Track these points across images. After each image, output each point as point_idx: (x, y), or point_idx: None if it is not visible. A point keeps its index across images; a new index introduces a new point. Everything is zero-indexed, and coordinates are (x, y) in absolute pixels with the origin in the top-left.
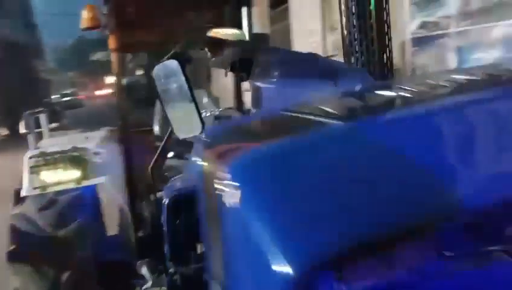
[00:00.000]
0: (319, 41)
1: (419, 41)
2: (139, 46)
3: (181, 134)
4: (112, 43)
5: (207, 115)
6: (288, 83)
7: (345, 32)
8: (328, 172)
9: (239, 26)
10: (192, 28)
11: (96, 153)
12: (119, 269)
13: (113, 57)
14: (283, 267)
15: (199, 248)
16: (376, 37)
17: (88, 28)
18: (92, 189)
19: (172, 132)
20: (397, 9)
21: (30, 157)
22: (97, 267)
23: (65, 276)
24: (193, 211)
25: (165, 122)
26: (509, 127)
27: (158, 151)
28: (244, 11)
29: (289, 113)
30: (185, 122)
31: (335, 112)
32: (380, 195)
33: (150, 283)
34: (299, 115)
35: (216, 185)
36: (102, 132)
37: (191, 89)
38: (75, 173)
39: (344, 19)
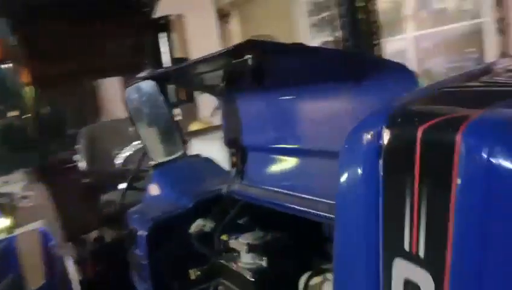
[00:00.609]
0: None
1: None
2: (52, 79)
3: (158, 157)
4: (24, 76)
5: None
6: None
7: None
8: None
9: (157, 52)
10: (109, 57)
11: (24, 197)
12: None
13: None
14: None
15: (192, 274)
16: None
17: None
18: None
19: (142, 159)
20: (299, 31)
21: None
22: None
23: None
24: (177, 238)
25: (93, 154)
26: None
27: (127, 184)
28: (163, 37)
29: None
30: (163, 144)
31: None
32: None
33: None
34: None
35: None
36: (19, 174)
37: (171, 109)
38: (4, 222)
39: None
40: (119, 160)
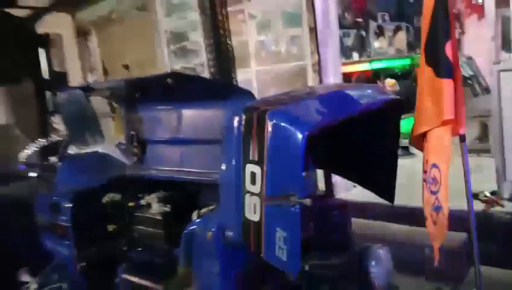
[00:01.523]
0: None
1: None
2: None
3: (81, 146)
4: None
5: None
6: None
7: None
8: None
9: (38, 65)
10: None
11: None
12: None
13: None
14: None
15: (110, 228)
16: None
17: None
18: None
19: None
20: (159, 57)
21: None
22: None
23: None
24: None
25: None
26: None
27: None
28: (42, 52)
29: None
30: (87, 136)
31: None
32: None
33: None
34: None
35: None
36: None
37: (93, 109)
38: None
39: None
40: (22, 157)
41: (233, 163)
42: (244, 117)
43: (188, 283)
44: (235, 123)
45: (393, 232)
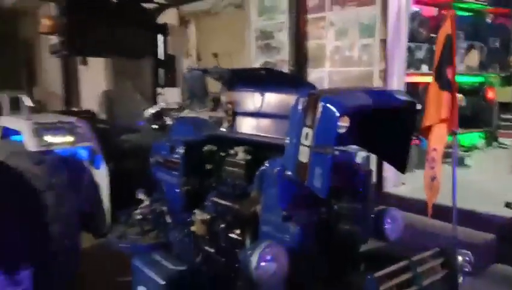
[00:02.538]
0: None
1: None
2: (87, 51)
3: (195, 108)
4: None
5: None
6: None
7: None
8: None
9: (155, 50)
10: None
11: (77, 126)
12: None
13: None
14: None
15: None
16: None
17: (46, 33)
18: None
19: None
20: (247, 52)
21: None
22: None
23: None
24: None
25: (111, 110)
26: None
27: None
28: (160, 37)
29: None
30: (199, 101)
31: None
32: None
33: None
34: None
35: None
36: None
37: (206, 85)
38: (69, 138)
39: None
40: (147, 114)
41: (295, 127)
42: (306, 99)
43: (257, 202)
44: (300, 103)
45: (429, 225)
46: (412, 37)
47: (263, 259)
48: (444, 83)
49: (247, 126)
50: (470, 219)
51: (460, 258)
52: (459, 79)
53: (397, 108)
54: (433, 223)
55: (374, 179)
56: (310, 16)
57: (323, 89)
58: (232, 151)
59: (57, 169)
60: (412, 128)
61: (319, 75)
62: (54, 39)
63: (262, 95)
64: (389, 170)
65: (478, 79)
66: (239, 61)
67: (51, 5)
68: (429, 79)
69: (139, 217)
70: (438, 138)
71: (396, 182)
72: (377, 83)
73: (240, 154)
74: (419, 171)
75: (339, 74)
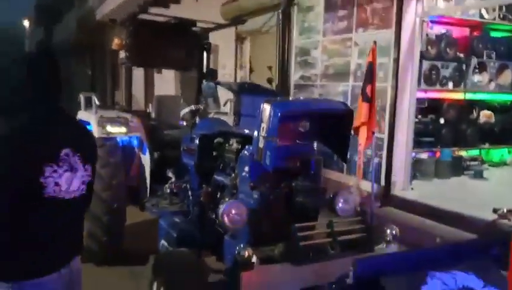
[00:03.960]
0: (231, 74)
1: (299, 87)
2: (146, 63)
3: (211, 110)
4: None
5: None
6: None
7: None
8: None
9: (201, 64)
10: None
11: (130, 121)
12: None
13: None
14: None
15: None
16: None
17: (116, 49)
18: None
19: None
20: (288, 67)
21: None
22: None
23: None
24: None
25: (160, 110)
26: None
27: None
28: (205, 54)
29: None
30: (212, 105)
31: None
32: None
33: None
34: None
35: None
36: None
37: (217, 93)
38: (124, 129)
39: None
40: (182, 113)
41: (258, 123)
42: (266, 104)
43: (237, 177)
44: (261, 107)
45: (429, 226)
46: (440, 56)
47: (226, 210)
48: (365, 97)
49: (244, 123)
50: (461, 221)
51: (388, 230)
52: (490, 97)
53: (336, 113)
54: (434, 225)
55: (383, 182)
56: (339, 37)
57: (276, 98)
58: (230, 142)
59: (114, 151)
60: (350, 128)
61: (344, 89)
62: (122, 54)
63: (253, 100)
64: (397, 175)
65: (509, 97)
66: (285, 74)
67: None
68: (455, 95)
69: (168, 190)
70: (362, 136)
71: (406, 187)
72: (389, 97)
73: (234, 144)
74: (437, 180)
75: (359, 88)
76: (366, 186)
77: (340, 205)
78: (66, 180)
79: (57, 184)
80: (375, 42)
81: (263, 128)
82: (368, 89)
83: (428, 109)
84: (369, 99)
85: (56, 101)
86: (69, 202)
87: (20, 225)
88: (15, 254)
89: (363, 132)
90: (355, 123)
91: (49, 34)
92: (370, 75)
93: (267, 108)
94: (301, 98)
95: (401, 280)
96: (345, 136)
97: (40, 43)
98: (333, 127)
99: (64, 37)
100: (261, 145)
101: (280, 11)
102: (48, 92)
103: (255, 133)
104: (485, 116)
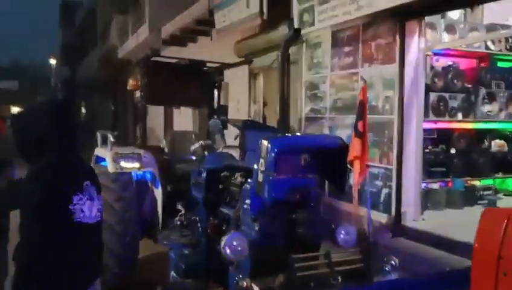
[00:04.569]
0: (245, 108)
1: (309, 119)
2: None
3: (217, 146)
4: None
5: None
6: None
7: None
8: None
9: (212, 101)
10: (188, 95)
11: (144, 156)
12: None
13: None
14: None
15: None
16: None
17: (132, 90)
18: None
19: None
20: (298, 101)
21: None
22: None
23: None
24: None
25: (173, 145)
26: None
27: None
28: (215, 92)
29: None
30: (218, 141)
31: None
32: None
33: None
34: None
35: None
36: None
37: (222, 130)
38: (137, 165)
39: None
40: (192, 148)
41: (258, 158)
42: (264, 140)
43: (240, 209)
44: (261, 141)
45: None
46: (447, 88)
47: (228, 242)
48: (357, 133)
49: (249, 158)
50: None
51: (388, 261)
52: (501, 126)
53: (332, 148)
54: (444, 255)
55: (393, 213)
56: (346, 72)
57: (275, 135)
58: (235, 176)
59: (127, 186)
60: (346, 161)
61: (352, 122)
62: (138, 93)
63: (255, 137)
64: (408, 206)
65: None
66: (293, 108)
67: None
68: (465, 125)
69: (178, 223)
70: (356, 169)
71: (417, 217)
72: (396, 129)
73: (238, 178)
74: (449, 210)
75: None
76: (377, 217)
77: (341, 236)
78: (88, 208)
79: (82, 211)
80: (365, 81)
81: (262, 163)
82: (360, 125)
83: (438, 139)
84: (361, 135)
85: (77, 140)
86: (92, 226)
87: (54, 248)
88: (48, 276)
89: (357, 166)
90: (349, 157)
91: (73, 72)
92: (361, 112)
93: (265, 144)
94: (298, 134)
95: None
96: (341, 168)
97: (66, 82)
98: (330, 160)
99: (88, 75)
100: (260, 179)
101: (280, 52)
102: (72, 134)
103: (256, 167)
104: (497, 145)
